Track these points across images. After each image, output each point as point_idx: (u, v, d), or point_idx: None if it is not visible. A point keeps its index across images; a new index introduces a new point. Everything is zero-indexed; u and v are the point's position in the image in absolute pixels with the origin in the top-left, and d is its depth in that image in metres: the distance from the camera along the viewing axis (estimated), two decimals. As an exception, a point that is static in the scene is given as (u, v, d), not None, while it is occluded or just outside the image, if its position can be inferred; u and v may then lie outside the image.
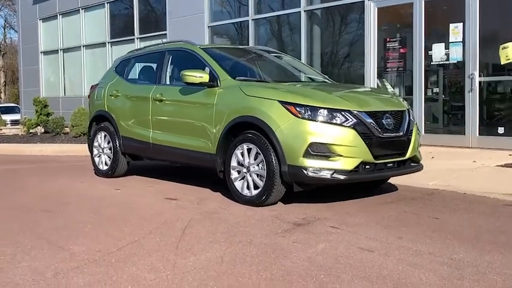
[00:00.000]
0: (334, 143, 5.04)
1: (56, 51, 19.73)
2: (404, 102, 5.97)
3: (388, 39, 10.43)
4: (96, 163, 7.64)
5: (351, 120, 5.13)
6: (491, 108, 9.62)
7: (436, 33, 10.07)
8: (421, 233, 4.41)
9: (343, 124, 5.11)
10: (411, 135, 5.58)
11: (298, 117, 5.12)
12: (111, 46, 17.40)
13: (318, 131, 5.05)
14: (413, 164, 5.75)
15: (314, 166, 5.03)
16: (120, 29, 17.27)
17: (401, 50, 10.22)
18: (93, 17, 18.12)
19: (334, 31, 12.32)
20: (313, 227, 4.64)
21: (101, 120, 7.59)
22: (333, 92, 5.72)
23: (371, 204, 5.52)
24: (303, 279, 3.37)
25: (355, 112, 5.17)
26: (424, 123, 9.88)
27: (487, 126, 9.28)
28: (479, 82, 9.17)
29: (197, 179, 7.08)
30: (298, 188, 5.27)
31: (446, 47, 9.52)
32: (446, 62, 9.63)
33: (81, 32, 18.56)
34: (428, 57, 9.77)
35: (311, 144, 5.02)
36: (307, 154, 5.03)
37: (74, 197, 6.25)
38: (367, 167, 5.24)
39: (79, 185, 7.09)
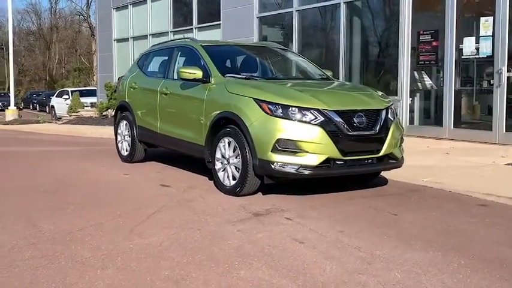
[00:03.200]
0: (300, 139, 5.33)
1: (126, 39, 20.84)
2: (386, 100, 6.10)
3: (421, 32, 10.35)
4: (119, 149, 8.32)
5: (319, 118, 5.38)
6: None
7: (468, 26, 9.90)
8: (366, 229, 4.63)
9: (311, 122, 5.37)
10: (387, 133, 5.73)
11: (269, 114, 5.44)
12: (173, 35, 18.18)
13: (286, 128, 5.35)
14: (392, 161, 5.90)
15: (281, 161, 5.35)
16: (181, 18, 18.01)
17: (434, 43, 10.13)
18: (159, 7, 18.98)
19: (371, 22, 12.33)
20: (270, 217, 4.97)
21: (123, 109, 8.23)
22: (310, 90, 5.97)
23: (344, 198, 5.75)
24: (216, 263, 3.75)
25: (324, 111, 5.41)
26: (453, 118, 9.80)
27: (515, 123, 9.10)
28: (508, 77, 8.97)
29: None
30: (268, 180, 5.61)
31: (477, 41, 9.36)
32: (476, 56, 9.47)
33: (148, 21, 19.50)
34: (459, 51, 9.65)
35: (278, 140, 5.34)
36: (274, 149, 5.35)
37: (83, 180, 6.91)
38: (337, 162, 5.48)
39: (97, 168, 7.79)
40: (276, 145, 5.35)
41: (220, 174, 5.97)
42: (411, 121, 10.79)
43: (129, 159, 8.04)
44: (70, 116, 22.95)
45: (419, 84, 10.81)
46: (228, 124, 5.85)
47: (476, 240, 4.37)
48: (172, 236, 4.40)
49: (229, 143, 5.83)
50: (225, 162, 5.90)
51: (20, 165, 8.53)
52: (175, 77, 7.14)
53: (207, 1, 16.81)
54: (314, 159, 5.35)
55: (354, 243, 4.24)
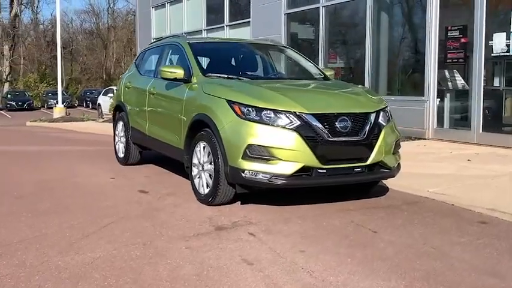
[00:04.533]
0: (273, 145, 4.81)
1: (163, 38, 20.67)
2: (379, 103, 5.49)
3: (449, 28, 9.57)
4: (116, 150, 8.03)
5: (294, 122, 4.85)
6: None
7: (498, 22, 9.06)
8: (332, 248, 4.10)
9: (286, 126, 4.85)
10: (376, 139, 5.13)
11: (241, 117, 4.95)
12: (207, 33, 17.88)
13: (257, 133, 4.85)
14: (384, 170, 5.30)
15: (252, 169, 4.85)
16: (214, 16, 17.67)
17: (462, 40, 9.34)
18: (194, 5, 18.73)
19: (397, 17, 11.61)
20: (232, 232, 4.49)
21: (120, 110, 7.93)
22: (292, 91, 5.45)
23: (329, 211, 5.19)
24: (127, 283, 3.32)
25: (300, 114, 4.88)
26: (482, 121, 9.00)
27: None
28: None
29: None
30: (241, 190, 5.12)
31: (508, 37, 8.54)
32: (507, 54, 8.63)
33: (184, 19, 19.29)
34: (488, 48, 8.84)
35: (249, 146, 4.84)
36: (245, 156, 4.86)
37: (67, 183, 6.63)
38: (319, 171, 4.94)
39: (89, 171, 7.53)
40: (247, 151, 4.85)
41: (196, 181, 5.54)
42: (439, 124, 10.01)
43: (124, 161, 7.73)
44: (111, 113, 23.05)
45: (448, 83, 10.02)
46: (203, 127, 5.40)
47: (456, 266, 3.75)
48: (112, 252, 3.99)
49: (204, 148, 5.39)
50: (200, 168, 5.46)
51: (15, 166, 8.37)
52: (163, 76, 6.75)
53: (238, -2, 16.41)
54: (288, 168, 4.82)
55: (310, 266, 3.72)
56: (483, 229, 4.66)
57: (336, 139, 4.93)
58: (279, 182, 4.84)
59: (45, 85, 53.77)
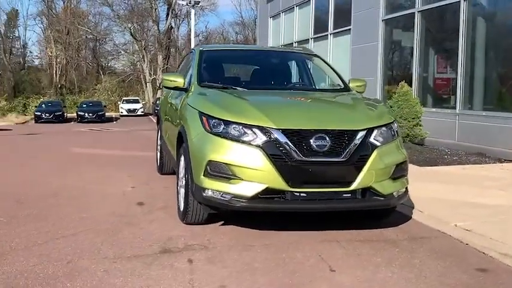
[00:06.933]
0: (234, 163, 4.30)
1: (277, 48, 20.59)
2: (379, 118, 4.70)
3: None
4: (156, 159, 7.93)
5: (259, 138, 4.30)
6: None
7: None
8: (263, 286, 3.53)
9: (251, 142, 4.31)
10: (363, 161, 4.38)
11: (208, 130, 4.51)
12: (313, 42, 17.42)
13: (219, 148, 4.37)
14: (376, 198, 4.52)
15: (212, 188, 4.39)
16: (320, 25, 17.13)
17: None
18: (303, 14, 18.36)
19: (495, 21, 10.22)
20: (172, 257, 4.07)
21: (158, 119, 7.83)
22: (271, 104, 4.89)
23: (303, 241, 4.52)
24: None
25: (267, 129, 4.31)
26: None
27: None
28: None
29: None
30: (208, 210, 4.68)
31: None
32: None
33: (294, 28, 18.99)
34: None
35: (209, 163, 4.38)
36: (206, 173, 4.41)
37: (77, 190, 6.68)
38: (295, 194, 4.33)
39: (114, 178, 7.55)
40: (208, 168, 4.39)
41: (179, 197, 5.17)
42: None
43: (159, 171, 7.63)
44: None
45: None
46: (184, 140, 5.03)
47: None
48: (28, 267, 3.80)
49: (182, 162, 5.02)
50: (180, 183, 5.10)
51: (42, 168, 8.69)
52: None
53: (342, 6, 15.70)
54: (249, 189, 4.28)
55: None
56: (476, 279, 3.76)
57: (309, 159, 4.28)
58: (238, 204, 4.31)
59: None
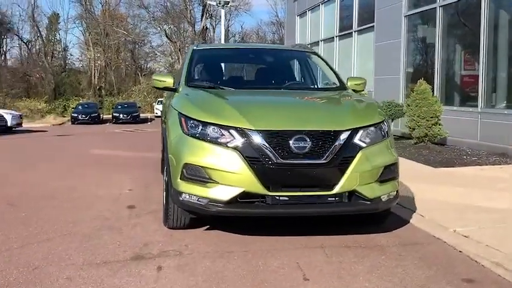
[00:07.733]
0: (210, 166, 4.13)
1: (304, 46, 20.30)
2: (366, 117, 4.44)
3: None
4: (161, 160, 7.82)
5: (236, 140, 4.12)
6: None
7: None
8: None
9: (227, 144, 4.14)
10: (347, 163, 4.14)
11: (185, 132, 4.35)
12: (339, 40, 17.10)
13: (196, 151, 4.21)
14: (362, 202, 4.27)
15: (189, 191, 4.23)
16: (345, 22, 16.81)
17: None
18: (329, 12, 18.05)
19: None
20: (142, 264, 3.92)
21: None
22: (251, 103, 4.69)
23: (286, 247, 4.31)
24: None
25: (244, 130, 4.12)
26: None
27: None
28: None
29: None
30: (185, 214, 4.52)
31: None
32: None
33: (320, 27, 18.68)
34: None
35: (186, 165, 4.22)
36: (183, 176, 4.25)
37: (75, 192, 6.67)
38: (277, 198, 4.13)
39: (115, 180, 7.48)
40: (184, 171, 4.24)
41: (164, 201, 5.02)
42: None
43: (162, 173, 7.44)
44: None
45: None
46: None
47: None
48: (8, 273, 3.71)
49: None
50: (163, 186, 4.96)
51: (49, 170, 8.72)
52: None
53: (366, 3, 15.33)
54: (225, 193, 4.10)
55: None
56: (458, 291, 3.49)
57: (288, 161, 4.07)
58: (214, 209, 4.14)
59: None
